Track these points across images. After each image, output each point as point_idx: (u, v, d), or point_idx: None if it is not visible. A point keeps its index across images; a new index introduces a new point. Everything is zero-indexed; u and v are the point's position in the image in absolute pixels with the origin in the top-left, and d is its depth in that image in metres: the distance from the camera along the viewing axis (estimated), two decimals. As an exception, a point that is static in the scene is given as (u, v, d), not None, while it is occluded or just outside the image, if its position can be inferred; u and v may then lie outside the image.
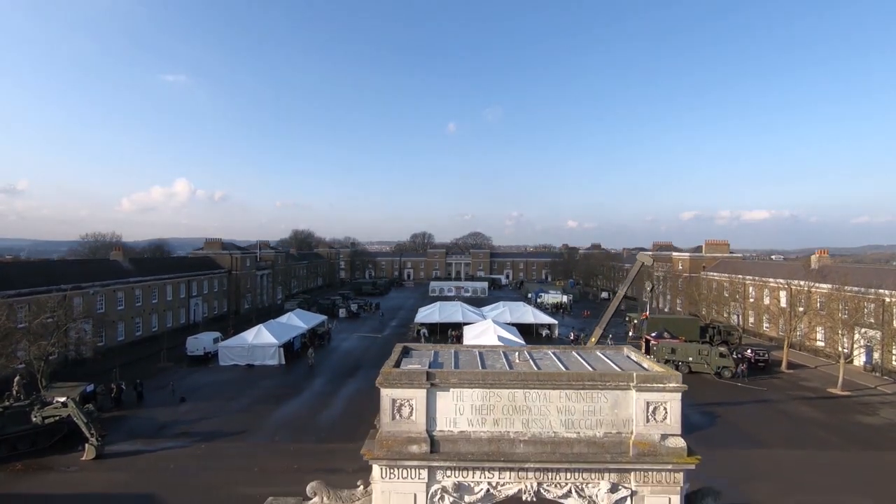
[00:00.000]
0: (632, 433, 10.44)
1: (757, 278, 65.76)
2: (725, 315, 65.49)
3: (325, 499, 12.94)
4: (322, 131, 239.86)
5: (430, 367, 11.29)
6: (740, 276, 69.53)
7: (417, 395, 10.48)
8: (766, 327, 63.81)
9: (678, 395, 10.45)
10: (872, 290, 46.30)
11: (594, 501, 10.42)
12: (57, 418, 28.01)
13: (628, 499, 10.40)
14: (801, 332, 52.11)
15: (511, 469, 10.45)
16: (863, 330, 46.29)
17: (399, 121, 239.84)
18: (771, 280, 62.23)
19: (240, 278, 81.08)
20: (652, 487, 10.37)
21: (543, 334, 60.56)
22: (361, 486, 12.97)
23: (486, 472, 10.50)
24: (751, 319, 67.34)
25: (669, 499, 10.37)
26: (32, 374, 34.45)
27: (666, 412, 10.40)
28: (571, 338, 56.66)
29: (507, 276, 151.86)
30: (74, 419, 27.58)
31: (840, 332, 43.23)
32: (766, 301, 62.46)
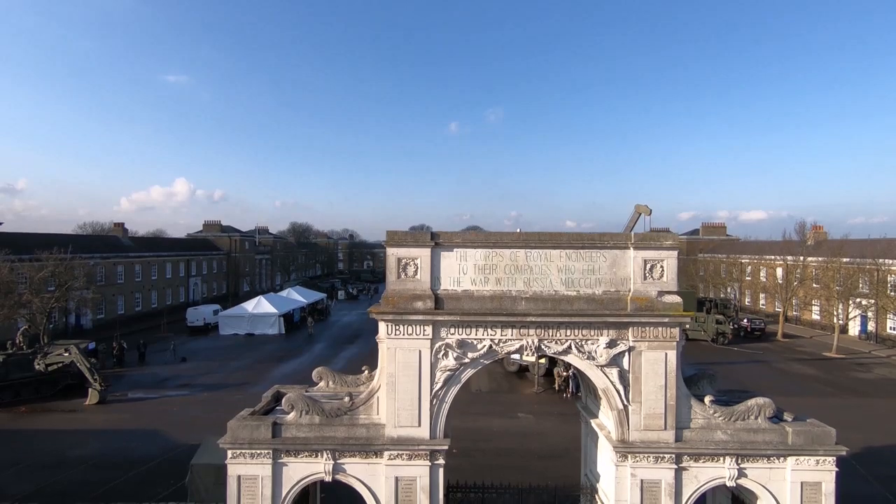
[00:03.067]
0: (629, 291, 10.78)
1: (754, 257, 66.27)
2: (723, 293, 66.04)
3: (330, 383, 13.23)
4: (323, 131, 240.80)
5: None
6: (737, 255, 70.06)
7: (422, 255, 10.80)
8: (763, 305, 64.37)
9: (674, 254, 10.79)
10: (869, 260, 46.67)
11: (593, 357, 10.75)
12: (60, 365, 28.27)
13: (626, 354, 10.73)
14: (798, 302, 52.56)
15: (513, 326, 10.77)
16: (857, 300, 46.71)
17: (401, 121, 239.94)
18: (767, 256, 62.68)
19: (238, 260, 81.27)
20: (649, 343, 10.71)
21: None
22: (366, 372, 13.29)
23: (489, 329, 10.82)
24: (747, 299, 67.90)
25: (666, 354, 10.70)
26: (36, 335, 34.61)
27: (662, 270, 10.74)
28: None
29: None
30: (77, 364, 27.83)
31: (836, 297, 43.64)
32: (763, 278, 63.00)
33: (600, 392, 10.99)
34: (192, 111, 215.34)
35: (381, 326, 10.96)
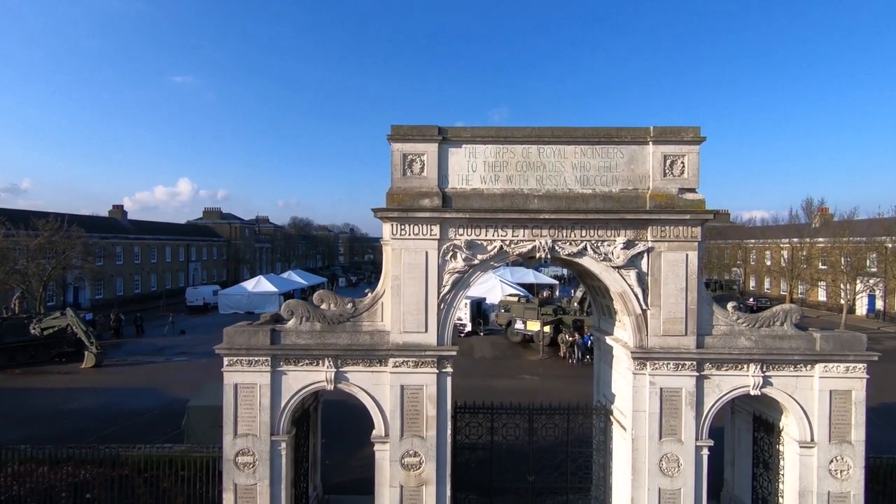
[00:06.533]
0: (648, 188, 10.18)
1: (759, 241, 65.61)
2: (728, 276, 65.41)
3: (332, 305, 12.55)
4: (327, 131, 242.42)
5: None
6: (741, 240, 69.42)
7: (429, 150, 10.22)
8: (768, 289, 63.75)
9: (696, 148, 10.18)
10: (877, 238, 45.94)
11: (609, 258, 10.15)
12: (55, 329, 27.72)
13: (644, 255, 10.14)
14: (804, 282, 51.84)
15: (525, 225, 10.18)
16: (865, 279, 46.04)
17: (405, 121, 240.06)
18: (772, 240, 62.03)
19: (239, 248, 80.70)
20: (669, 243, 10.11)
21: (544, 294, 60.28)
22: (369, 294, 12.69)
23: (500, 229, 10.23)
24: (752, 283, 67.28)
25: (687, 255, 10.10)
26: (32, 307, 34.06)
27: (683, 166, 10.15)
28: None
29: (509, 263, 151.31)
30: (73, 328, 27.31)
31: (844, 272, 43.00)
32: (768, 260, 62.37)
33: (616, 297, 10.40)
34: (197, 112, 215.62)
35: (386, 228, 10.41)
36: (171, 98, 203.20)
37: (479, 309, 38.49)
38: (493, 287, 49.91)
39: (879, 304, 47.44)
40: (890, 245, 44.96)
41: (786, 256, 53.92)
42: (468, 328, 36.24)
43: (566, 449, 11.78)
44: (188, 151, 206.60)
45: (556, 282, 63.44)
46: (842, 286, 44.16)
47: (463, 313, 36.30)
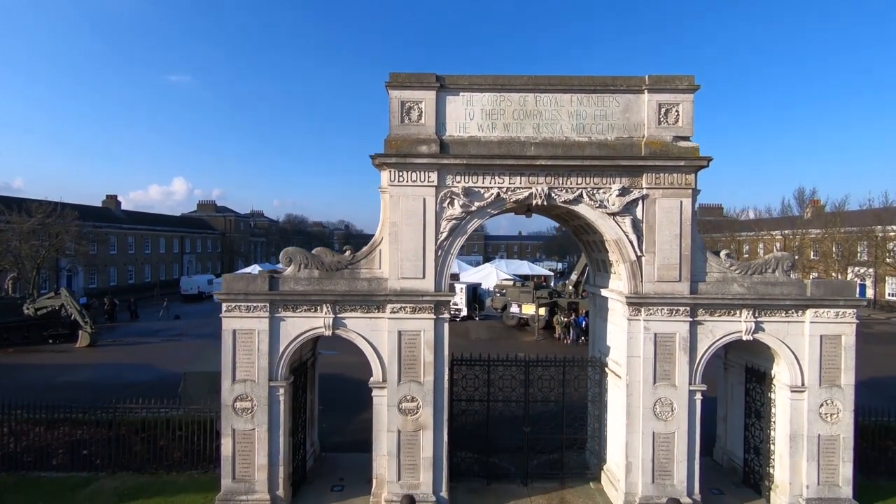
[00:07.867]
0: (643, 137, 10.32)
1: (751, 233, 66.15)
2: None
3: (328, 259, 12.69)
4: (324, 130, 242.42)
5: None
6: (734, 232, 69.91)
7: (427, 98, 10.30)
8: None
9: (690, 97, 10.33)
10: (868, 227, 46.43)
11: (604, 205, 10.28)
12: (49, 308, 27.57)
13: (640, 202, 10.28)
14: (796, 274, 52.18)
15: (521, 173, 10.28)
16: (856, 269, 46.53)
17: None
18: (765, 232, 62.60)
19: (233, 241, 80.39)
20: (664, 190, 10.25)
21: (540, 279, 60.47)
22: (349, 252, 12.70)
23: (497, 177, 10.33)
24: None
25: (681, 202, 10.25)
26: (25, 290, 33.82)
27: (678, 114, 10.28)
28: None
29: (502, 258, 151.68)
30: (67, 307, 27.19)
31: (836, 260, 43.44)
32: (761, 252, 62.86)
33: (611, 245, 10.52)
34: (192, 111, 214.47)
35: (383, 175, 10.48)
36: (166, 97, 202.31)
37: (475, 294, 38.60)
38: (489, 274, 50.18)
39: (870, 293, 47.93)
40: (881, 234, 45.49)
41: (778, 247, 54.33)
42: (464, 312, 36.34)
43: (562, 401, 11.89)
44: (183, 150, 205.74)
45: (551, 273, 63.67)
46: (833, 275, 44.60)
47: (458, 298, 36.40)
